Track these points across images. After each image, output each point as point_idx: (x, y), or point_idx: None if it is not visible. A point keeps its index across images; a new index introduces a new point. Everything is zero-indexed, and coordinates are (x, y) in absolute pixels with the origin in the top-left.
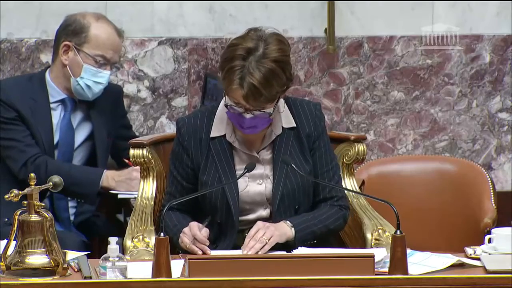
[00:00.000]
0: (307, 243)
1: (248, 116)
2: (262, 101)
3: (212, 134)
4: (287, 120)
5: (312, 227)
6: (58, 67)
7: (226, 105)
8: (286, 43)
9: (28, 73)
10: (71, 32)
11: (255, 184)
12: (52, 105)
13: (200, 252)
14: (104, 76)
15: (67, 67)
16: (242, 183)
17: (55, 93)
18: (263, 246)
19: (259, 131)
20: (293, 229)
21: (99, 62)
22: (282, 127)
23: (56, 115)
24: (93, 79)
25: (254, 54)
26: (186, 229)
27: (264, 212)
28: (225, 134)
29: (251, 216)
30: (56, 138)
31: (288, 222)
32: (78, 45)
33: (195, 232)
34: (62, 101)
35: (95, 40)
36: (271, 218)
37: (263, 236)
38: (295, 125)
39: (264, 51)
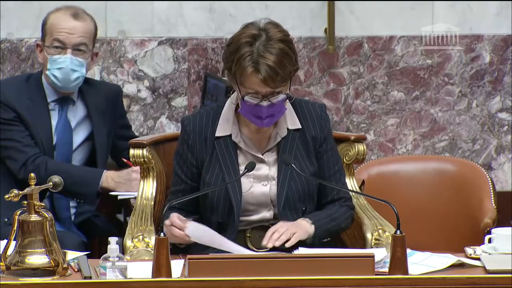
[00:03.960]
0: (321, 240)
1: (265, 104)
2: (279, 81)
3: (218, 134)
4: (292, 121)
5: (327, 225)
6: (43, 69)
7: (242, 97)
8: (283, 27)
9: (27, 73)
10: (41, 32)
11: (259, 185)
12: (50, 105)
13: (178, 232)
14: (64, 61)
15: (43, 65)
16: (246, 184)
17: (51, 93)
18: (289, 239)
19: (275, 121)
20: (313, 226)
21: (57, 48)
22: (287, 128)
23: (55, 115)
24: (56, 67)
25: (259, 39)
26: (166, 221)
27: (268, 213)
28: (230, 134)
29: (253, 217)
30: (55, 139)
31: (307, 219)
32: (43, 41)
33: (173, 220)
34: (59, 101)
35: (50, 28)
36: (275, 220)
37: (287, 230)
38: (300, 127)
39: (267, 35)
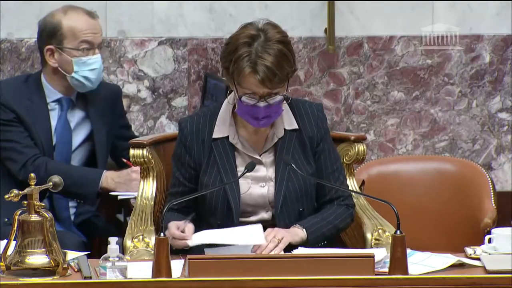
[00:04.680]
0: (317, 245)
1: (262, 105)
2: (277, 82)
3: (215, 135)
4: (289, 121)
5: (322, 228)
6: (49, 72)
7: (240, 97)
8: (281, 28)
9: (27, 73)
10: (47, 36)
11: (257, 186)
12: (50, 106)
13: (182, 243)
14: (95, 61)
15: (59, 68)
16: (244, 185)
17: (51, 93)
18: (277, 245)
19: (272, 122)
20: (304, 230)
21: (84, 49)
22: (284, 129)
23: (55, 116)
24: (87, 69)
25: (258, 40)
26: (166, 232)
27: (266, 214)
28: (227, 136)
29: (252, 218)
30: (54, 139)
31: (297, 225)
32: (59, 44)
33: (172, 232)
34: (58, 101)
35: (71, 32)
36: (273, 221)
37: (274, 237)
38: (297, 127)
39: (266, 36)
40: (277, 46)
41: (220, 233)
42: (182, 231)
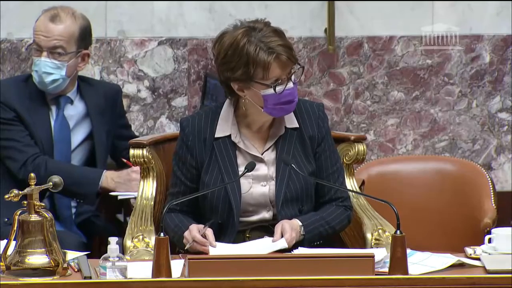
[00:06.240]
0: (312, 244)
1: (291, 85)
2: (295, 56)
3: (217, 135)
4: (290, 120)
5: (319, 228)
6: None
7: (274, 88)
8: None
9: (26, 73)
10: None
11: (259, 186)
12: (50, 105)
13: (202, 248)
14: (38, 64)
15: None
16: (245, 184)
17: (50, 92)
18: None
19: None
20: (302, 228)
21: (34, 49)
22: (285, 127)
23: (55, 115)
24: (34, 69)
25: (252, 32)
26: (186, 233)
27: (267, 214)
28: (229, 135)
29: (253, 218)
30: (54, 138)
31: (297, 220)
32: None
33: (194, 235)
34: (57, 100)
35: (34, 30)
36: (275, 220)
37: (293, 238)
38: (297, 126)
39: (255, 27)
40: (270, 28)
41: (243, 245)
42: (203, 235)
